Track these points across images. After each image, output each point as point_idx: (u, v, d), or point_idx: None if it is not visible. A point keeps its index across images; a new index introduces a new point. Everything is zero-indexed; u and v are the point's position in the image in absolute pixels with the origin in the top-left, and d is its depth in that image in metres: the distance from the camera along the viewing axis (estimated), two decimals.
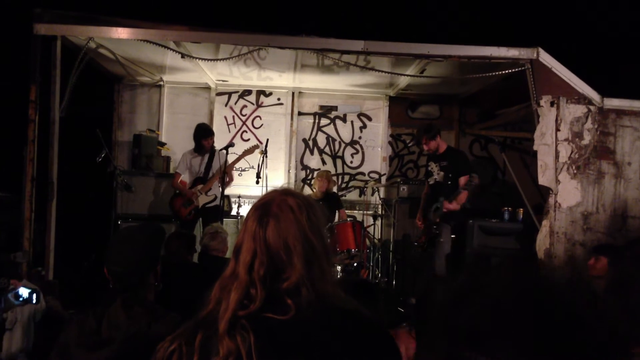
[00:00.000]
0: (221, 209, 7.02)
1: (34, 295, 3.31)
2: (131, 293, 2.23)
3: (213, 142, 7.10)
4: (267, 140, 7.57)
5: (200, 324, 1.44)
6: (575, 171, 5.71)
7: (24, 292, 3.22)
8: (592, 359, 0.77)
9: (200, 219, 6.95)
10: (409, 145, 8.79)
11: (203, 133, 6.99)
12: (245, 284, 1.45)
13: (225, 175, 6.87)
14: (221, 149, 7.15)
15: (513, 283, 0.85)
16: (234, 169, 7.22)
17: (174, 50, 6.22)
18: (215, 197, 6.98)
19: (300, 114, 8.73)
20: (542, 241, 5.68)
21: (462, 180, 6.17)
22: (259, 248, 1.47)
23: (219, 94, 8.67)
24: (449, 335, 0.84)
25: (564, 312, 0.80)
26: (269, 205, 1.53)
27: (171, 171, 7.99)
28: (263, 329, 1.38)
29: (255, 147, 7.19)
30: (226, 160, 6.92)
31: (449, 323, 0.85)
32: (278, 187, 1.66)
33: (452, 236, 6.23)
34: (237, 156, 7.05)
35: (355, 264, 7.12)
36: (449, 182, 6.24)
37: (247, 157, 7.34)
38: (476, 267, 0.95)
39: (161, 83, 8.45)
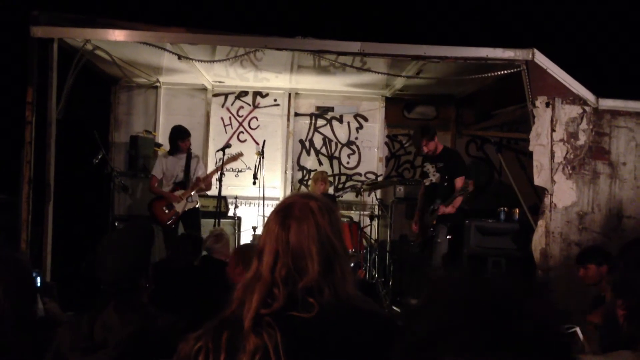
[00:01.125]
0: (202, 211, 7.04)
1: (38, 278, 3.33)
2: (124, 297, 2.23)
3: (190, 144, 6.99)
4: (264, 141, 7.58)
5: (225, 323, 1.48)
6: (570, 171, 5.74)
7: None
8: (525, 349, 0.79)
9: (181, 222, 6.87)
10: (406, 145, 8.81)
11: (179, 134, 6.88)
12: (269, 284, 1.49)
13: (220, 176, 6.87)
14: (218, 150, 7.15)
15: (459, 289, 0.88)
16: (215, 176, 7.08)
17: (170, 51, 6.23)
18: (197, 204, 6.93)
19: (296, 115, 8.74)
20: (538, 241, 5.70)
21: (459, 181, 6.20)
22: (281, 250, 1.52)
23: (216, 95, 8.67)
24: (409, 341, 0.86)
25: (508, 312, 0.82)
26: (291, 209, 1.57)
27: None
28: (288, 326, 1.42)
29: (239, 154, 7.10)
30: (222, 160, 6.90)
31: (409, 329, 0.88)
32: (283, 189, 1.71)
33: (448, 237, 6.26)
34: (218, 165, 6.94)
35: (352, 265, 7.15)
36: (445, 184, 6.28)
37: (244, 158, 7.34)
38: (435, 274, 0.99)
39: (158, 84, 8.45)
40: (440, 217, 6.21)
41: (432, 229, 6.31)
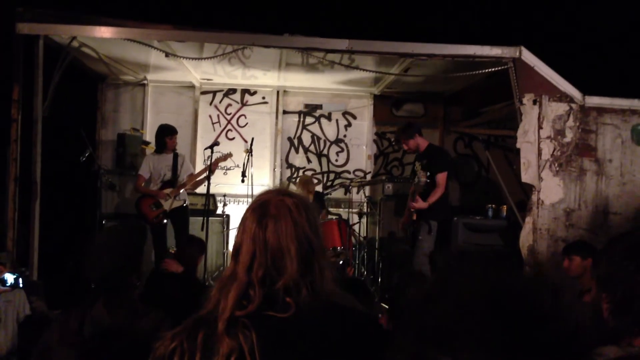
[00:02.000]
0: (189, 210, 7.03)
1: (20, 280, 3.30)
2: (114, 293, 2.23)
3: (176, 142, 6.98)
4: (252, 139, 7.56)
5: (201, 323, 1.45)
6: (557, 168, 5.77)
7: (9, 277, 3.22)
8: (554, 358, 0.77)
9: (170, 220, 6.85)
10: (394, 143, 8.83)
11: (166, 131, 6.87)
12: (244, 285, 1.46)
13: (210, 174, 6.84)
14: (206, 148, 7.12)
15: (479, 283, 0.85)
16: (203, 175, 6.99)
17: (158, 49, 6.20)
18: (185, 202, 6.93)
19: (285, 112, 8.73)
20: (525, 238, 5.74)
21: (440, 177, 6.13)
22: (258, 249, 1.48)
23: (204, 92, 8.64)
24: (417, 335, 0.83)
25: (528, 312, 0.80)
26: (267, 206, 1.53)
27: None
28: (265, 327, 1.39)
29: (229, 155, 7.04)
30: (211, 158, 6.87)
31: (417, 322, 0.85)
32: (272, 187, 1.67)
33: (431, 234, 6.16)
34: (207, 165, 6.88)
35: (341, 262, 7.16)
36: (427, 180, 6.23)
37: (232, 156, 7.31)
38: (447, 266, 0.95)
39: (145, 82, 8.41)
40: (420, 214, 6.17)
41: (414, 225, 6.30)
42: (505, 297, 0.82)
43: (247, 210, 1.58)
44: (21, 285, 3.36)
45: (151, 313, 2.21)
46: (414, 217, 6.26)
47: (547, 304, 0.83)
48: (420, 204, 6.12)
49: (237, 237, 1.56)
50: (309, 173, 8.66)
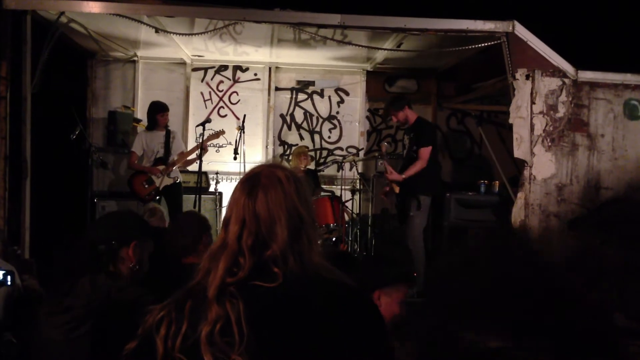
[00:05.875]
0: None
1: (8, 277, 3.24)
2: (99, 262, 2.28)
3: (168, 119, 6.98)
4: (245, 116, 7.53)
5: (190, 293, 1.47)
6: (549, 144, 5.78)
7: None
8: (580, 345, 0.73)
9: (163, 198, 6.87)
10: (383, 117, 8.81)
11: (157, 108, 6.87)
12: (234, 253, 1.47)
13: (202, 152, 6.82)
14: (197, 125, 7.09)
15: (502, 259, 0.81)
16: (195, 153, 6.96)
17: (147, 24, 6.12)
18: (177, 179, 6.92)
19: (277, 89, 8.68)
20: (517, 213, 5.76)
21: (423, 152, 6.09)
22: (247, 218, 1.49)
23: (195, 69, 8.57)
24: (438, 309, 0.81)
25: (556, 292, 0.76)
26: (258, 177, 1.55)
27: None
28: (252, 296, 1.41)
29: (221, 132, 7.06)
30: (203, 136, 6.84)
31: (439, 297, 0.82)
32: (264, 162, 1.69)
33: (421, 209, 6.12)
34: (199, 142, 6.88)
35: (334, 239, 7.18)
36: (413, 154, 6.21)
37: (225, 134, 7.28)
38: (461, 242, 0.92)
39: (135, 59, 8.32)
40: (408, 190, 6.13)
41: (397, 199, 6.30)
42: (535, 274, 0.79)
43: (239, 182, 1.60)
44: (9, 282, 3.29)
45: (132, 288, 2.24)
46: (397, 190, 6.24)
47: (583, 287, 0.80)
48: (395, 175, 6.11)
49: (227, 208, 1.58)
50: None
